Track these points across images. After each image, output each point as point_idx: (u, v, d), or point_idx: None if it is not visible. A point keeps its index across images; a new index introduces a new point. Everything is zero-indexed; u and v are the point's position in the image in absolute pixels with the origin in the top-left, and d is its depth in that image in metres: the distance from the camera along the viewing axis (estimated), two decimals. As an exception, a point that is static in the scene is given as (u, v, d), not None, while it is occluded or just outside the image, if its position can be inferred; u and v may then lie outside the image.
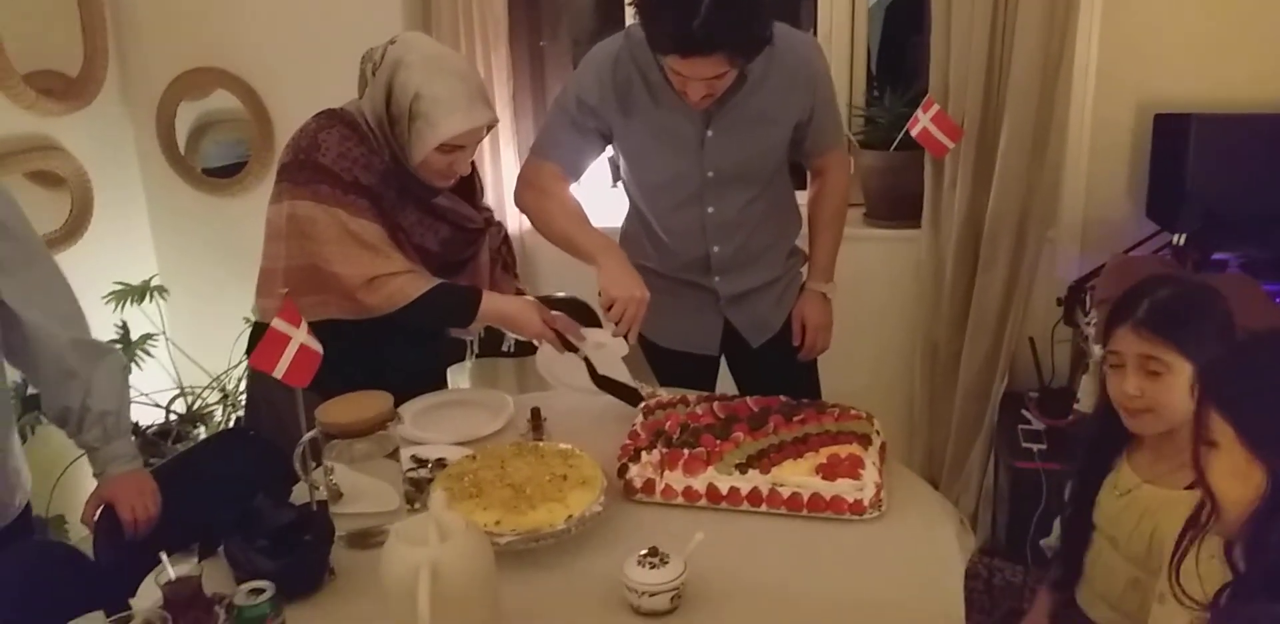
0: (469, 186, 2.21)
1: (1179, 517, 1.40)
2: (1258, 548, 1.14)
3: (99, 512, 1.84)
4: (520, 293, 2.29)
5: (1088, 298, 2.65)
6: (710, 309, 2.36)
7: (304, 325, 1.73)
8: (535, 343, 2.13)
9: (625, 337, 2.03)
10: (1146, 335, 1.51)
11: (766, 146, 2.21)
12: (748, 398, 2.01)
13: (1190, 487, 1.43)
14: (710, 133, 2.14)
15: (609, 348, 2.11)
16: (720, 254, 2.28)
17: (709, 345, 2.39)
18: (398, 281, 1.98)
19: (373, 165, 2.00)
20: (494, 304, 2.06)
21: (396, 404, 1.69)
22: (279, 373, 1.70)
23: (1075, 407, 2.70)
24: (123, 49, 3.35)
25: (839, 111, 2.38)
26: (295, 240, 1.98)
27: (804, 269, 2.44)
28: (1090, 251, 2.93)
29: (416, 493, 1.75)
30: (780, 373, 2.38)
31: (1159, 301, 1.53)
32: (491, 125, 2.04)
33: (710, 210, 2.23)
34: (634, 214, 2.37)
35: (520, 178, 2.27)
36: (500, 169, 3.18)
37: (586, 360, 2.08)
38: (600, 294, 2.04)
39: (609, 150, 2.29)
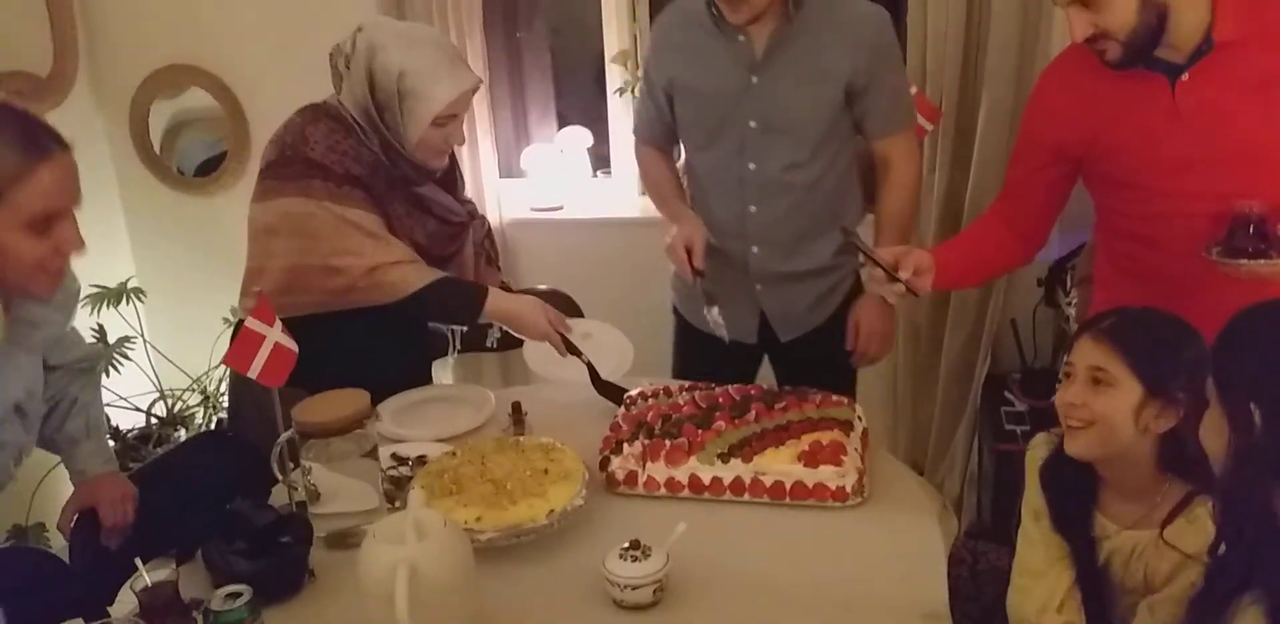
0: (450, 179, 2.19)
1: (1167, 553, 1.42)
2: (1229, 498, 1.18)
3: (75, 519, 1.82)
4: (504, 286, 2.28)
5: (1068, 278, 2.64)
6: (746, 294, 2.27)
7: (278, 324, 1.72)
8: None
9: (694, 271, 2.09)
10: (1103, 342, 1.48)
11: (813, 103, 2.12)
12: (729, 386, 2.00)
13: (1167, 522, 1.44)
14: (755, 79, 2.10)
15: (595, 338, 2.10)
16: (757, 216, 2.19)
17: (746, 333, 2.29)
18: (400, 271, 1.96)
19: (362, 157, 1.98)
20: (500, 303, 2.04)
21: (382, 400, 1.67)
22: (253, 373, 1.68)
23: (1058, 386, 2.68)
24: (93, 47, 3.31)
25: (907, 95, 2.27)
26: (293, 238, 1.95)
27: (861, 271, 2.24)
28: (1070, 231, 2.92)
29: (397, 491, 1.73)
30: (813, 375, 2.17)
31: (1128, 317, 1.51)
32: (476, 87, 2.02)
33: (751, 167, 2.16)
34: (690, 179, 2.33)
35: (637, 161, 2.43)
36: (479, 160, 3.14)
37: (589, 365, 2.05)
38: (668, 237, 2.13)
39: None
